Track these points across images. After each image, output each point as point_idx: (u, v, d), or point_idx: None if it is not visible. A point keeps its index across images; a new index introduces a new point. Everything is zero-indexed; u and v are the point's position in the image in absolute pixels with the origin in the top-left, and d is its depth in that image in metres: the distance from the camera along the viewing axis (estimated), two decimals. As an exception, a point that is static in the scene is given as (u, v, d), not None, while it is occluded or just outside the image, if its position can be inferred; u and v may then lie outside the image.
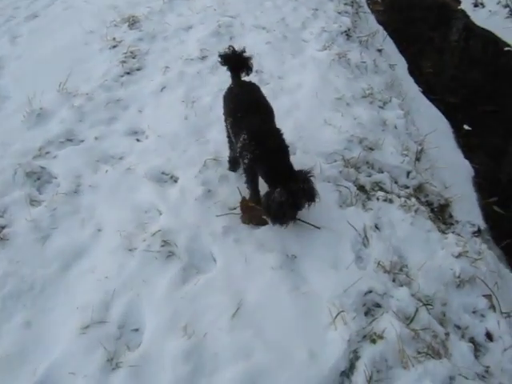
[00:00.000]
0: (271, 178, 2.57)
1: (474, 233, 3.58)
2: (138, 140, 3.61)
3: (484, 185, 4.55)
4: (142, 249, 2.57)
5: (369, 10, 8.61)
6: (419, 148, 4.02)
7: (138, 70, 4.59)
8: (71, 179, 3.12)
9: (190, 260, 2.54)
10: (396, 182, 3.48)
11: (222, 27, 5.36)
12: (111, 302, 2.32)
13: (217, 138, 3.54)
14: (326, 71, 4.54)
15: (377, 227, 2.89)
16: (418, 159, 3.88)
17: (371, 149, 3.62)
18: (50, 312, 2.32)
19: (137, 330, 2.24)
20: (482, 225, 3.83)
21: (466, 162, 4.80)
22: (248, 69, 3.10)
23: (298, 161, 3.22)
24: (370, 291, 2.42)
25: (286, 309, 2.28)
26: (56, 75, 4.23)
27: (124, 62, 4.60)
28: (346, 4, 7.05)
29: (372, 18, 8.16)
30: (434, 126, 4.94)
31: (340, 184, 3.14)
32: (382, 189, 3.33)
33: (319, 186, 3.05)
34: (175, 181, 3.17)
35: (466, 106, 6.01)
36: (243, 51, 3.04)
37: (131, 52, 4.79)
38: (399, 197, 3.26)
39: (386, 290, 2.45)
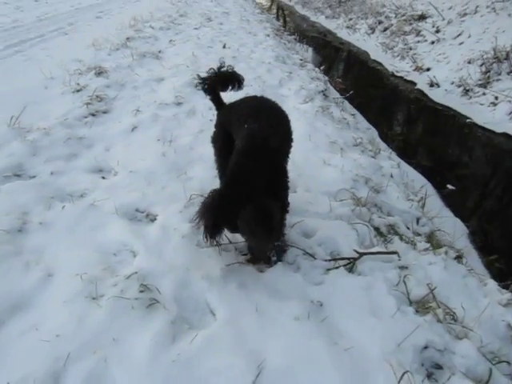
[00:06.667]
0: None
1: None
2: (103, 178, 2.99)
3: (479, 242, 4.27)
4: (111, 295, 1.84)
5: (331, 86, 8.88)
6: (421, 196, 3.68)
7: (105, 112, 4.09)
8: (15, 215, 2.40)
9: (179, 311, 1.84)
10: (408, 228, 3.04)
11: (197, 79, 5.06)
12: (63, 373, 1.54)
13: (201, 175, 3.01)
14: (312, 120, 4.25)
15: (407, 269, 2.35)
16: (422, 206, 3.51)
17: (377, 191, 3.21)
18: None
19: (104, 414, 1.46)
20: (492, 280, 3.39)
21: (458, 220, 4.56)
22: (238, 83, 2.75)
23: (300, 199, 2.78)
24: (426, 346, 1.81)
25: (326, 372, 1.59)
26: (8, 112, 3.60)
27: (89, 103, 4.09)
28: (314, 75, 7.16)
29: (336, 93, 8.36)
30: (420, 183, 4.72)
31: (355, 222, 2.63)
32: (396, 232, 2.85)
33: (332, 223, 2.57)
34: (152, 219, 2.54)
35: (439, 169, 5.96)
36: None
37: (97, 96, 4.31)
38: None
39: (445, 345, 1.84)
